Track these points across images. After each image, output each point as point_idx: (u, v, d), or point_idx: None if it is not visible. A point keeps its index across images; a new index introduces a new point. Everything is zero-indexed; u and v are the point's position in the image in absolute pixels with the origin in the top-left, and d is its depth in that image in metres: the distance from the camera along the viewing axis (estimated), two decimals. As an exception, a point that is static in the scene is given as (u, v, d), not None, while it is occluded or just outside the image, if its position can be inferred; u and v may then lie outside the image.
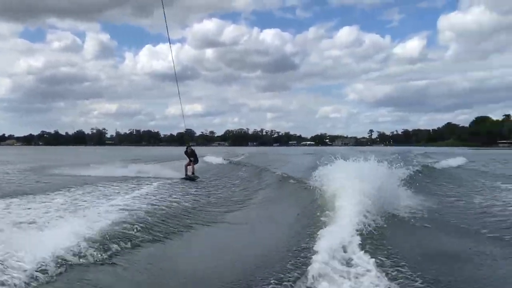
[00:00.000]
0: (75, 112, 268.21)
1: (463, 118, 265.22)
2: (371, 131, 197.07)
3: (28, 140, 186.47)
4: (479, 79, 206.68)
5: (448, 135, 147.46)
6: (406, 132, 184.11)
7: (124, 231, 7.32)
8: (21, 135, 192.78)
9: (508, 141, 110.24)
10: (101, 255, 6.00)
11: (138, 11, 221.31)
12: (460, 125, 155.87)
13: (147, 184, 15.24)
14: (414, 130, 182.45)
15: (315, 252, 5.52)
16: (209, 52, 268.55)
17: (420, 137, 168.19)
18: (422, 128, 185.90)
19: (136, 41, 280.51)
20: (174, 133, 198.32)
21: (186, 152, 20.84)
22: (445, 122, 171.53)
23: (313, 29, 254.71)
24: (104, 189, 13.62)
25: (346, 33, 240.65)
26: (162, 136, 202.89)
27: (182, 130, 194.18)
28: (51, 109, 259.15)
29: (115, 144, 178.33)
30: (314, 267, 5.03)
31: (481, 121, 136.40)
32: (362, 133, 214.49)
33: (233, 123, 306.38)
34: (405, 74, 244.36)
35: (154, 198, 11.69)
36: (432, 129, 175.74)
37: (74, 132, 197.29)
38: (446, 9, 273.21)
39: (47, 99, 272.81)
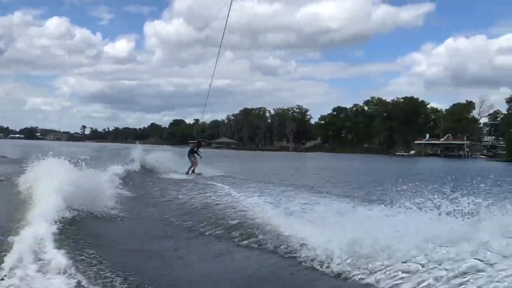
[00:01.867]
0: None
1: (168, 119, 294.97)
2: (83, 127, 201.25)
3: None
4: (180, 84, 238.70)
5: (152, 134, 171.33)
6: (117, 130, 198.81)
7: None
8: None
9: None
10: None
11: None
12: (163, 126, 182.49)
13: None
14: (124, 128, 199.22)
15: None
16: None
17: (129, 135, 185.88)
18: (132, 126, 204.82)
19: None
20: None
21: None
22: (152, 122, 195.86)
23: (19, 14, 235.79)
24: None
25: (56, 24, 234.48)
26: None
27: None
28: None
29: None
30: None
31: (178, 124, 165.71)
32: (75, 128, 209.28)
33: None
34: (116, 73, 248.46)
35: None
36: (140, 128, 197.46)
37: None
38: (152, 16, 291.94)
39: None
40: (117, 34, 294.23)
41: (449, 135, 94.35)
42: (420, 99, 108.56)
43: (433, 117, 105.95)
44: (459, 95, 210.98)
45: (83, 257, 5.61)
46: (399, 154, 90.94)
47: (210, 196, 12.44)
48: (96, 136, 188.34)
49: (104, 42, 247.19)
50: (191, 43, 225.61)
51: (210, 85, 19.37)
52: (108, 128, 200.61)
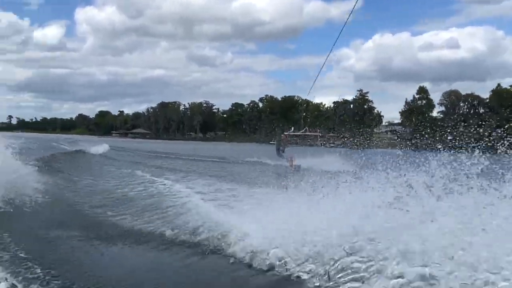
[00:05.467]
0: None
1: (104, 108, 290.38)
2: (10, 116, 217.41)
3: None
4: (114, 73, 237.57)
5: (79, 125, 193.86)
6: (44, 120, 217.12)
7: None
8: None
9: (118, 132, 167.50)
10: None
11: None
12: (91, 116, 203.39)
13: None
14: (51, 118, 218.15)
15: None
16: None
17: (57, 125, 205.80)
18: (62, 116, 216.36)
19: None
20: None
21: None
22: (79, 113, 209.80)
23: None
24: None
25: None
26: None
27: None
28: None
29: None
30: None
31: (104, 115, 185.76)
32: (1, 117, 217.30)
33: None
34: (46, 61, 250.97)
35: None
36: (67, 118, 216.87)
37: None
38: (83, 2, 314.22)
39: None
40: (47, 19, 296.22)
41: (306, 127, 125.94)
42: (297, 98, 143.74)
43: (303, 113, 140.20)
44: (386, 89, 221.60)
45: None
46: (271, 143, 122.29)
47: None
48: (23, 126, 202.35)
49: (33, 28, 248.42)
50: (125, 31, 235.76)
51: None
52: (35, 118, 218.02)
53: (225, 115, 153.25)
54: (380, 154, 8.98)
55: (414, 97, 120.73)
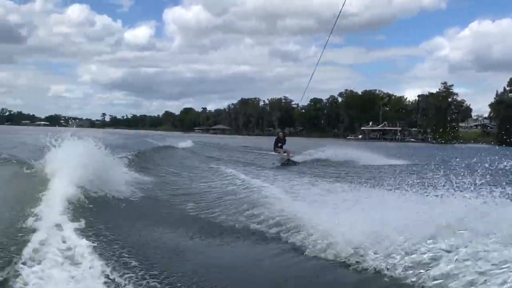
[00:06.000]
0: None
1: (189, 105, 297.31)
2: (104, 114, 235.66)
3: None
4: (200, 71, 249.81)
5: (165, 121, 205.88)
6: (134, 117, 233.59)
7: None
8: None
9: (200, 128, 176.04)
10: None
11: None
12: (176, 113, 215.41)
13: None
14: (141, 116, 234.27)
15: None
16: None
17: (146, 122, 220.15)
18: (151, 114, 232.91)
19: None
20: None
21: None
22: (178, 108, 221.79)
23: (40, 2, 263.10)
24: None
25: (76, 11, 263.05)
26: None
27: None
28: None
29: None
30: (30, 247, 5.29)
31: (187, 112, 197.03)
32: (96, 115, 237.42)
33: None
34: (136, 60, 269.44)
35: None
36: (155, 115, 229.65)
37: None
38: (171, 3, 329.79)
39: None
40: (137, 21, 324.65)
41: (385, 122, 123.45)
42: (378, 92, 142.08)
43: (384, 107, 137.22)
44: (483, 80, 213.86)
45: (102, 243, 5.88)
46: (349, 138, 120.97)
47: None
48: (115, 123, 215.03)
49: (124, 29, 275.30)
50: (210, 29, 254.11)
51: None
52: (126, 116, 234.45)
53: (303, 110, 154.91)
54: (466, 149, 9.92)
55: (504, 89, 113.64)
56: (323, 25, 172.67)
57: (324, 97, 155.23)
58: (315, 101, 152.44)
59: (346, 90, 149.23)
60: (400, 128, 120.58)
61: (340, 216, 6.81)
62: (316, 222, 6.86)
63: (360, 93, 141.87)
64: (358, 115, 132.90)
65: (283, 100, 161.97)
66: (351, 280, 5.37)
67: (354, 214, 6.91)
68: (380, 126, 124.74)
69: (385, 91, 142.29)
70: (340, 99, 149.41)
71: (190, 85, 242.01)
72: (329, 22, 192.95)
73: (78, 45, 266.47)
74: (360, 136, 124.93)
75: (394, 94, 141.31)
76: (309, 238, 6.54)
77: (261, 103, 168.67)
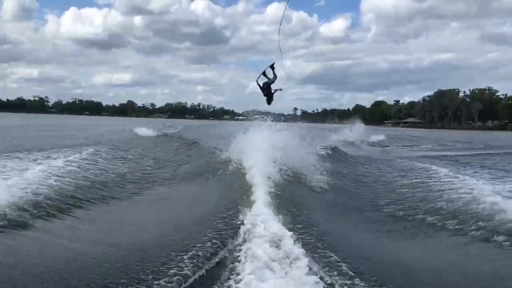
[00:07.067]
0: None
1: (383, 98, 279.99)
2: (295, 109, 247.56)
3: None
4: (396, 61, 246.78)
5: (355, 115, 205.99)
6: (324, 111, 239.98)
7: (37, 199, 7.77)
8: None
9: (390, 121, 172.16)
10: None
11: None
12: (367, 106, 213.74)
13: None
14: (330, 110, 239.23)
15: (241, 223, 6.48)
16: (138, 20, 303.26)
17: (335, 116, 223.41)
18: (340, 107, 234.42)
19: (60, 2, 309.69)
20: (117, 103, 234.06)
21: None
22: (370, 101, 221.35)
23: (242, 3, 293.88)
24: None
25: (274, 9, 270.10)
26: (104, 106, 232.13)
27: (124, 101, 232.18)
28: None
29: (57, 113, 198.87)
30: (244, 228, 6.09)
31: (378, 105, 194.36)
32: (287, 110, 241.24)
33: (163, 94, 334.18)
34: (330, 53, 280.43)
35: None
36: (345, 109, 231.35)
37: (16, 99, 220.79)
38: None
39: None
40: (333, 13, 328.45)
41: None
42: None
43: None
44: None
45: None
46: None
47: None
48: (306, 117, 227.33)
49: (320, 23, 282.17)
50: (409, 16, 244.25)
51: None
52: (316, 110, 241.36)
53: (510, 101, 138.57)
54: None
55: None
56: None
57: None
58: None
59: None
60: None
61: None
62: None
63: None
64: None
65: (487, 91, 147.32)
66: None
67: None
68: None
69: None
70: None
71: (384, 76, 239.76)
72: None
73: (275, 42, 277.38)
74: None
75: None
76: None
77: (461, 94, 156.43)
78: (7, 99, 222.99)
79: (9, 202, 7.47)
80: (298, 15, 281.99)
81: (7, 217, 6.85)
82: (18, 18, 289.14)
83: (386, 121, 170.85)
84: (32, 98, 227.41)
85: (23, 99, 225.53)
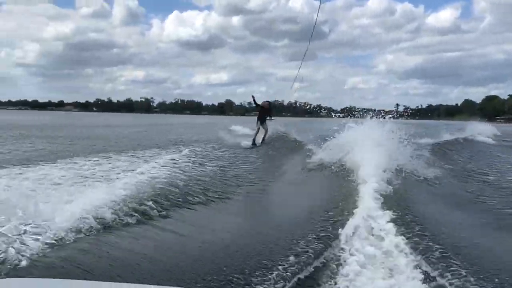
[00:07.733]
0: (102, 79, 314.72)
1: (497, 92, 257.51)
2: (397, 104, 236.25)
3: (85, 106, 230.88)
4: None
5: (464, 111, 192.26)
6: (430, 107, 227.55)
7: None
8: (53, 100, 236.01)
9: (503, 117, 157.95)
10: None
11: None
12: (477, 102, 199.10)
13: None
14: (436, 105, 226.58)
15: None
16: (236, 20, 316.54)
17: (441, 111, 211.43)
18: (448, 102, 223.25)
19: (164, 7, 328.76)
20: (215, 102, 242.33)
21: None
22: (481, 95, 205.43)
23: None
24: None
25: (377, 1, 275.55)
26: (204, 105, 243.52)
27: (222, 100, 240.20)
28: (78, 75, 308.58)
29: (160, 112, 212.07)
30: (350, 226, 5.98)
31: (490, 100, 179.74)
32: (389, 106, 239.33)
33: (260, 92, 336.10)
34: (437, 45, 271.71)
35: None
36: (452, 105, 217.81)
37: (125, 100, 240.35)
38: None
39: (76, 65, 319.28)
40: (441, 3, 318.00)
41: None
42: None
43: None
44: None
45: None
46: None
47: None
48: (411, 114, 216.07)
49: (426, 14, 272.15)
50: None
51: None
52: (421, 105, 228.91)
53: None
54: None
55: None
56: None
57: None
58: None
59: None
60: None
61: None
62: None
63: None
64: None
65: None
66: None
67: None
68: None
69: None
70: None
71: (500, 68, 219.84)
72: None
73: (376, 35, 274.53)
74: None
75: None
76: None
77: None
78: (118, 100, 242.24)
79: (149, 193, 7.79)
80: (403, 6, 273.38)
81: (139, 209, 6.97)
82: (126, 23, 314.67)
83: (498, 117, 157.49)
84: (139, 99, 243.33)
85: (131, 100, 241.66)
